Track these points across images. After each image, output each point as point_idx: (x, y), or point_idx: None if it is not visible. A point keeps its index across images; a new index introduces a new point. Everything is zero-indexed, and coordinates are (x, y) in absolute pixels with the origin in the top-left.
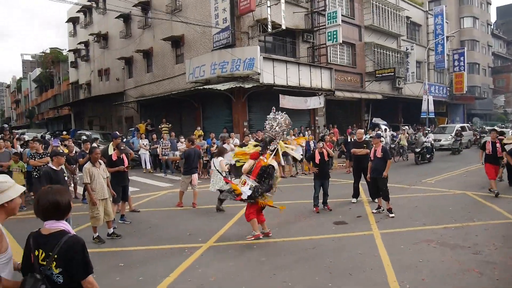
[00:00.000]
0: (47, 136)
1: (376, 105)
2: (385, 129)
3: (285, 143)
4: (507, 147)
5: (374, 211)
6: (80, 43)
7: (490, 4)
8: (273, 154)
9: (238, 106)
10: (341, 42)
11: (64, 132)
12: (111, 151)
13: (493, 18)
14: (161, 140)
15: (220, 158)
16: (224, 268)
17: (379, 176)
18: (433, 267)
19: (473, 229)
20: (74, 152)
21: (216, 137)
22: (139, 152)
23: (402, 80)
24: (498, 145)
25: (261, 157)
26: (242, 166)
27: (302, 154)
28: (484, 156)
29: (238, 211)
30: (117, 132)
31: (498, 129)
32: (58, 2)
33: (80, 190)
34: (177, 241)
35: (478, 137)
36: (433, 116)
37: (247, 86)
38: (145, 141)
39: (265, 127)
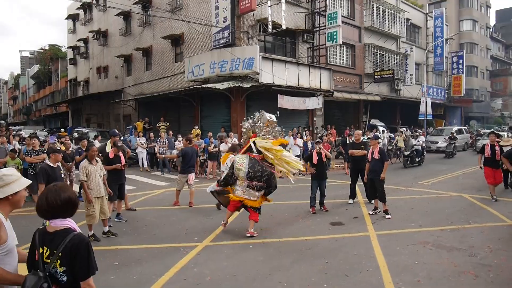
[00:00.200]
0: (43, 133)
1: (374, 107)
2: (383, 131)
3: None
4: (504, 149)
5: (371, 212)
6: (79, 40)
7: (490, 7)
8: (244, 150)
9: (237, 106)
10: (340, 43)
11: (62, 130)
12: (109, 148)
13: (492, 21)
14: (159, 138)
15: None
16: (220, 267)
17: (376, 177)
18: (429, 269)
19: (469, 231)
20: (71, 149)
21: (214, 137)
22: (137, 150)
23: (400, 82)
24: (497, 148)
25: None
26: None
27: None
28: (483, 160)
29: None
30: (115, 129)
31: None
32: None
33: (75, 187)
34: (173, 240)
35: (474, 139)
36: (431, 118)
37: (246, 85)
38: (143, 139)
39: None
